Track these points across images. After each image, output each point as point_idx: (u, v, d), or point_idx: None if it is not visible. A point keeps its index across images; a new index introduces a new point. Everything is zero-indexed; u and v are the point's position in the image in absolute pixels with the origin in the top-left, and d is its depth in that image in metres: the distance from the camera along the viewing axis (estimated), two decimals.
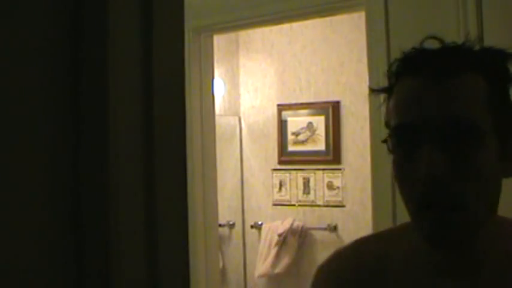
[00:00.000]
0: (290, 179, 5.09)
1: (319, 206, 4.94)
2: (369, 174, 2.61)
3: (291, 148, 5.12)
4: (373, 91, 1.10)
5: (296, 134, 5.12)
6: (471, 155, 0.92)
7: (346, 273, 1.07)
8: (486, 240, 0.98)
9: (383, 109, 2.06)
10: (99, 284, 0.71)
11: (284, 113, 5.20)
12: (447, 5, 2.19)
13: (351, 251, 1.11)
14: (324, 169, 4.95)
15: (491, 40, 2.10)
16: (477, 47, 1.10)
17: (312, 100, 5.10)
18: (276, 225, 5.03)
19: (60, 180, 0.71)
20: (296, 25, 4.96)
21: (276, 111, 5.26)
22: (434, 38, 1.11)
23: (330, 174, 4.95)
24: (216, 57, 3.39)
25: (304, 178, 5.01)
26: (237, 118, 5.49)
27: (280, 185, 5.13)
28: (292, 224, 4.92)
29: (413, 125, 0.93)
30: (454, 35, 2.16)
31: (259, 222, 5.25)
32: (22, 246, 0.68)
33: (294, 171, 5.09)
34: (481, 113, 0.94)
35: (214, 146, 3.29)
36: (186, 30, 1.35)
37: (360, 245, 1.11)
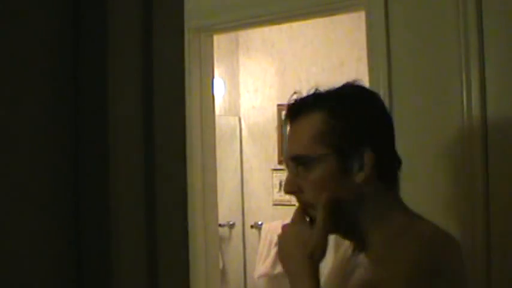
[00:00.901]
0: None
1: None
2: None
3: None
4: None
5: None
6: (306, 175, 1.38)
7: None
8: (366, 229, 1.40)
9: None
10: (99, 284, 0.71)
11: (284, 113, 5.20)
12: (447, 5, 2.19)
13: None
14: None
15: (491, 40, 2.11)
16: (327, 91, 1.48)
17: None
18: (276, 225, 5.02)
19: (60, 180, 0.71)
20: (296, 24, 4.96)
21: (276, 111, 5.26)
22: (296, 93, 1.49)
23: None
24: (216, 57, 3.38)
25: None
26: (237, 118, 5.49)
27: (280, 185, 5.13)
28: None
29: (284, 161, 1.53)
30: (454, 35, 2.16)
31: (259, 222, 5.25)
32: (22, 246, 0.68)
33: None
34: (310, 146, 1.38)
35: (214, 146, 3.29)
36: (186, 30, 1.35)
37: None
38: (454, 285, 1.35)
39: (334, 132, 1.37)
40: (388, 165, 1.41)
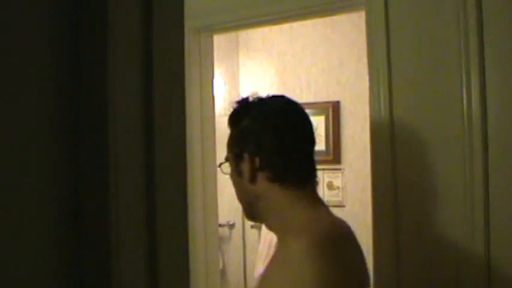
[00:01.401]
0: None
1: None
2: (368, 174, 2.61)
3: None
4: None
5: None
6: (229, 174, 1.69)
7: None
8: (269, 222, 1.67)
9: (383, 109, 2.06)
10: (100, 284, 0.71)
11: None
12: (447, 5, 2.19)
13: None
14: (324, 169, 4.94)
15: (491, 40, 2.11)
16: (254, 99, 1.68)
17: (312, 100, 5.10)
18: None
19: (60, 180, 0.71)
20: (296, 25, 4.96)
21: None
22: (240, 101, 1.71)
23: (330, 174, 4.95)
24: (216, 57, 3.38)
25: None
26: None
27: None
28: None
29: None
30: (454, 35, 2.16)
31: None
32: (22, 246, 0.68)
33: None
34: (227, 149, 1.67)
35: (214, 146, 3.29)
36: (186, 30, 1.35)
37: None
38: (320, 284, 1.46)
39: (231, 138, 1.66)
40: (278, 169, 1.60)
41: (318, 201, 1.70)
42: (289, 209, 1.62)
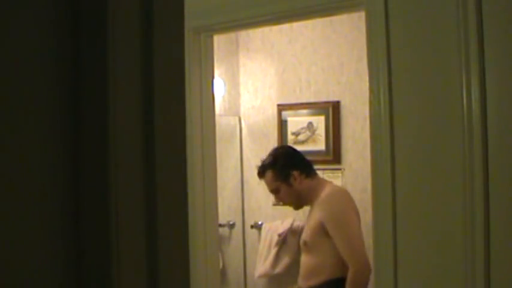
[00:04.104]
0: None
1: None
2: (369, 174, 2.61)
3: None
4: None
5: (296, 134, 5.11)
6: (280, 196, 3.64)
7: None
8: (310, 199, 3.55)
9: (383, 109, 2.07)
10: (99, 284, 0.71)
11: (284, 113, 5.20)
12: (447, 5, 2.19)
13: None
14: (324, 169, 4.94)
15: (491, 40, 2.11)
16: (270, 155, 3.66)
17: (312, 100, 5.10)
18: (276, 225, 5.03)
19: (61, 180, 0.71)
20: (296, 25, 4.96)
21: (276, 111, 5.26)
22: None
23: (330, 174, 4.95)
24: (216, 57, 3.38)
25: None
26: (237, 118, 5.49)
27: None
28: (292, 224, 4.92)
29: None
30: (454, 35, 2.16)
31: (259, 222, 5.25)
32: (22, 246, 0.68)
33: None
34: (274, 185, 3.59)
35: (214, 146, 3.29)
36: (186, 30, 1.35)
37: None
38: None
39: (276, 175, 3.51)
40: (305, 170, 3.50)
41: (325, 180, 3.77)
42: (318, 186, 3.55)
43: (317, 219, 3.37)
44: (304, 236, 3.48)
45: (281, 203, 3.76)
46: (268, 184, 3.56)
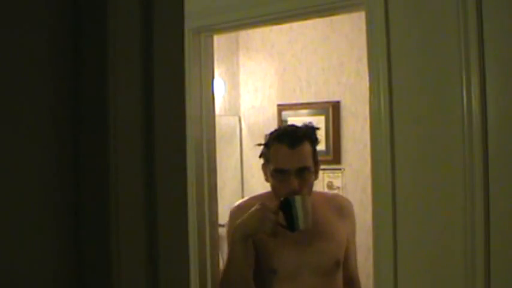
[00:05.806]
0: None
1: None
2: (369, 174, 2.61)
3: None
4: (260, 145, 2.63)
5: None
6: (307, 178, 2.37)
7: (246, 210, 2.34)
8: (315, 200, 2.43)
9: (383, 109, 2.08)
10: (99, 283, 0.71)
11: (284, 113, 5.20)
12: (447, 5, 2.19)
13: (247, 202, 2.57)
14: (324, 169, 4.93)
15: (491, 40, 2.11)
16: (306, 127, 2.54)
17: (312, 100, 5.10)
18: None
19: (60, 180, 0.71)
20: (296, 25, 4.96)
21: (276, 111, 5.26)
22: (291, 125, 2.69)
23: (330, 174, 4.95)
24: (216, 57, 3.38)
25: None
26: (237, 118, 5.49)
27: None
28: None
29: (285, 169, 2.35)
30: (454, 35, 2.16)
31: None
32: (22, 246, 0.68)
33: None
34: (310, 162, 2.41)
35: (215, 146, 3.29)
36: (186, 30, 1.35)
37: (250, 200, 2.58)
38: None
39: (314, 154, 2.49)
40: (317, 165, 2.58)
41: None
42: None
43: (343, 233, 2.45)
44: (335, 253, 2.42)
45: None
46: (303, 156, 2.41)
